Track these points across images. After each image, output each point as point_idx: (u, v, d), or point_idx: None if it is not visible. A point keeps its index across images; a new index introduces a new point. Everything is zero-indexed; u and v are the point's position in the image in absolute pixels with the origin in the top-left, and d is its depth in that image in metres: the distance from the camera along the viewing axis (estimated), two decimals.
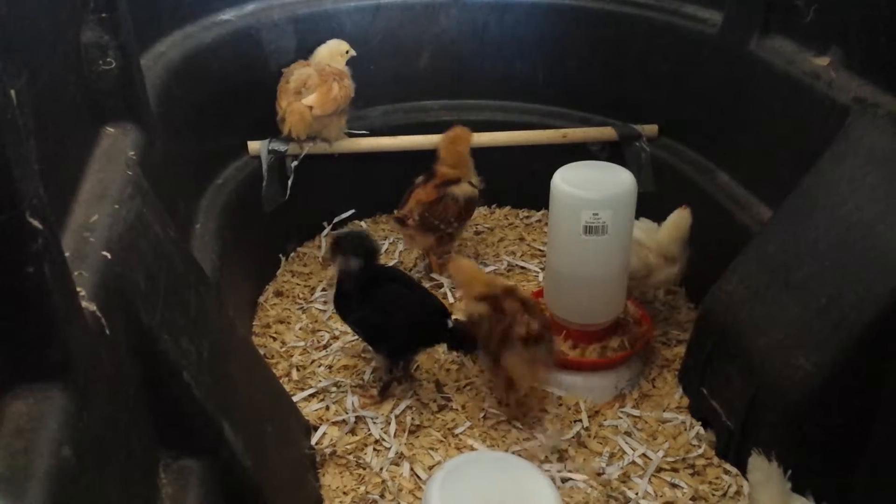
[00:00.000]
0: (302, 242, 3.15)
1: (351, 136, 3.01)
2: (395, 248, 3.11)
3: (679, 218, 2.52)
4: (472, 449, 2.19)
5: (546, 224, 2.43)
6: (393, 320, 2.23)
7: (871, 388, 1.78)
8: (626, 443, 2.22)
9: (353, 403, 2.32)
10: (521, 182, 3.22)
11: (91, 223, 1.43)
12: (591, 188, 2.20)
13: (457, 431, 2.26)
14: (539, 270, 2.97)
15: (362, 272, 2.22)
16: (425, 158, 3.13)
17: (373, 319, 2.25)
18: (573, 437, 2.23)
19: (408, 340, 2.29)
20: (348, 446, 2.18)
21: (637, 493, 2.06)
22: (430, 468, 2.13)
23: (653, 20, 2.93)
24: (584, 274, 2.28)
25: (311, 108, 2.75)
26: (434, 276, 2.92)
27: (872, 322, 1.73)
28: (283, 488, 1.79)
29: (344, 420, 2.27)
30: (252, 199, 2.79)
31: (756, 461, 1.74)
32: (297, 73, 2.79)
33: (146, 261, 1.52)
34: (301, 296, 2.83)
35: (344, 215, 3.27)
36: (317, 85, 2.75)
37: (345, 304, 2.29)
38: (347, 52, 2.90)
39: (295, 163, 2.92)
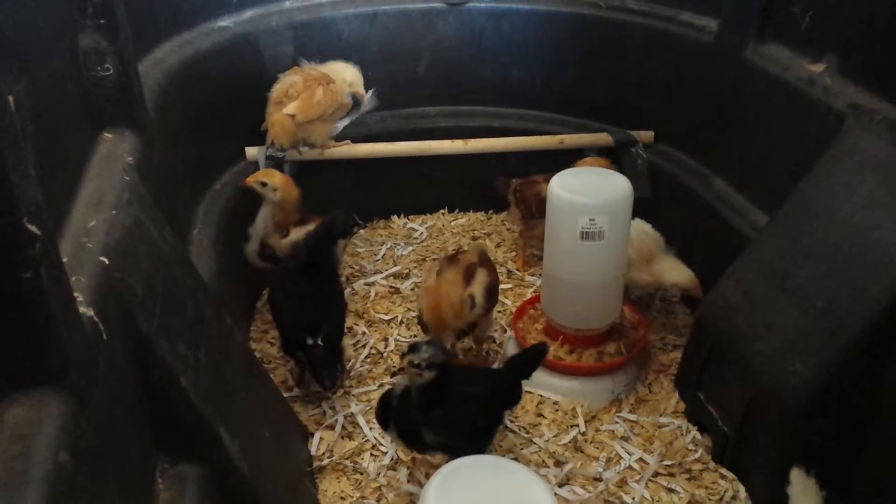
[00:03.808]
0: None
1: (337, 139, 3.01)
2: (392, 253, 3.12)
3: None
4: None
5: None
6: (277, 312, 2.38)
7: (867, 392, 1.79)
8: (623, 447, 2.22)
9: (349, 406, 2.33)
10: None
11: (89, 228, 1.43)
12: (587, 194, 2.20)
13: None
14: (536, 276, 2.97)
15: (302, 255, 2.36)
16: (423, 164, 3.15)
17: (274, 300, 2.40)
18: (570, 442, 2.23)
19: (283, 339, 2.36)
20: (345, 451, 2.18)
21: (634, 498, 2.06)
22: (427, 473, 2.13)
23: (649, 27, 2.94)
24: (581, 279, 2.29)
25: (292, 116, 2.75)
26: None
27: (869, 327, 1.73)
28: (281, 493, 1.79)
29: (343, 425, 2.27)
30: (250, 205, 2.79)
31: (796, 474, 1.74)
32: (281, 83, 2.80)
33: (144, 266, 1.52)
34: None
35: None
36: (300, 92, 2.76)
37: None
38: (351, 83, 2.85)
39: (287, 167, 2.92)
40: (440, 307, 2.23)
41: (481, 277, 2.31)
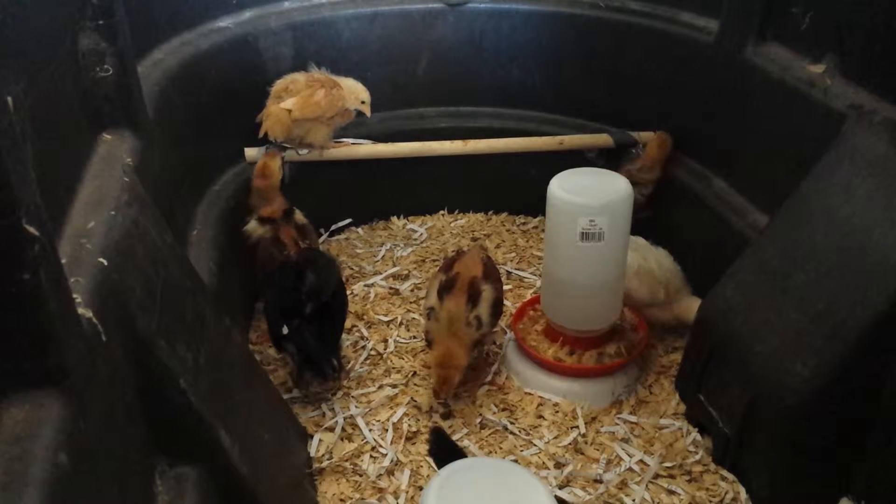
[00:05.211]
0: None
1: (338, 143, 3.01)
2: (391, 254, 3.12)
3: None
4: (470, 455, 2.19)
5: (543, 230, 2.44)
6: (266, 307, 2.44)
7: (868, 393, 1.79)
8: (623, 449, 2.21)
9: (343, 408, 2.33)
10: (517, 188, 3.23)
11: (88, 230, 1.43)
12: (587, 195, 2.20)
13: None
14: (536, 277, 2.97)
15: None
16: (423, 164, 3.14)
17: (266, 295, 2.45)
18: (570, 444, 2.23)
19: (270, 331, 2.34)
20: (345, 453, 2.18)
21: (634, 500, 2.06)
22: (427, 475, 2.13)
23: (649, 28, 2.94)
24: (581, 280, 2.28)
25: (289, 111, 2.74)
26: None
27: (869, 328, 1.73)
28: (280, 495, 1.79)
29: (342, 427, 2.27)
30: (249, 206, 2.79)
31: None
32: (283, 79, 2.80)
33: (143, 267, 1.51)
34: None
35: (342, 223, 3.27)
36: (300, 90, 2.76)
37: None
38: (364, 102, 2.86)
39: (286, 166, 2.91)
40: (451, 378, 2.23)
41: (486, 294, 2.27)
